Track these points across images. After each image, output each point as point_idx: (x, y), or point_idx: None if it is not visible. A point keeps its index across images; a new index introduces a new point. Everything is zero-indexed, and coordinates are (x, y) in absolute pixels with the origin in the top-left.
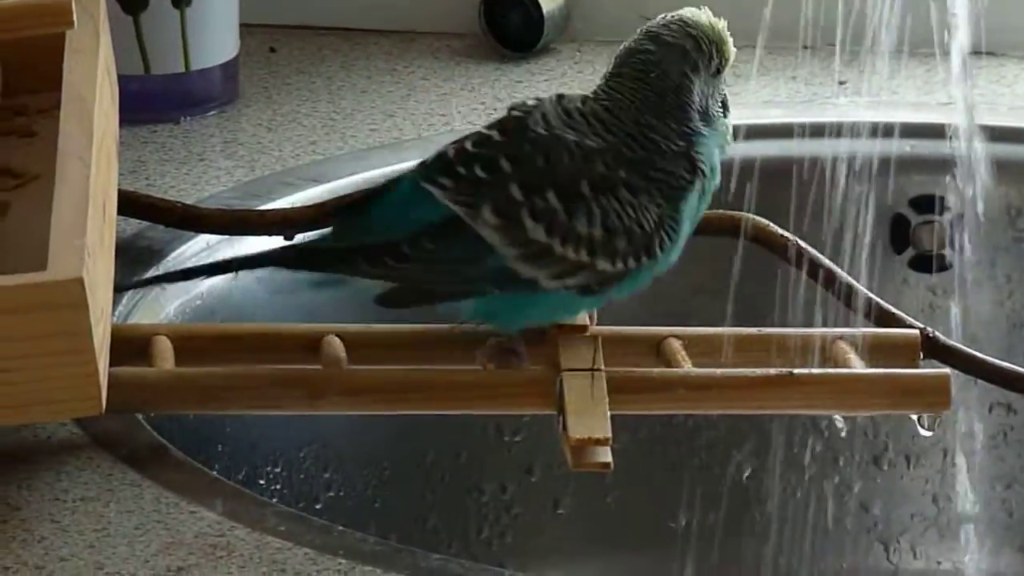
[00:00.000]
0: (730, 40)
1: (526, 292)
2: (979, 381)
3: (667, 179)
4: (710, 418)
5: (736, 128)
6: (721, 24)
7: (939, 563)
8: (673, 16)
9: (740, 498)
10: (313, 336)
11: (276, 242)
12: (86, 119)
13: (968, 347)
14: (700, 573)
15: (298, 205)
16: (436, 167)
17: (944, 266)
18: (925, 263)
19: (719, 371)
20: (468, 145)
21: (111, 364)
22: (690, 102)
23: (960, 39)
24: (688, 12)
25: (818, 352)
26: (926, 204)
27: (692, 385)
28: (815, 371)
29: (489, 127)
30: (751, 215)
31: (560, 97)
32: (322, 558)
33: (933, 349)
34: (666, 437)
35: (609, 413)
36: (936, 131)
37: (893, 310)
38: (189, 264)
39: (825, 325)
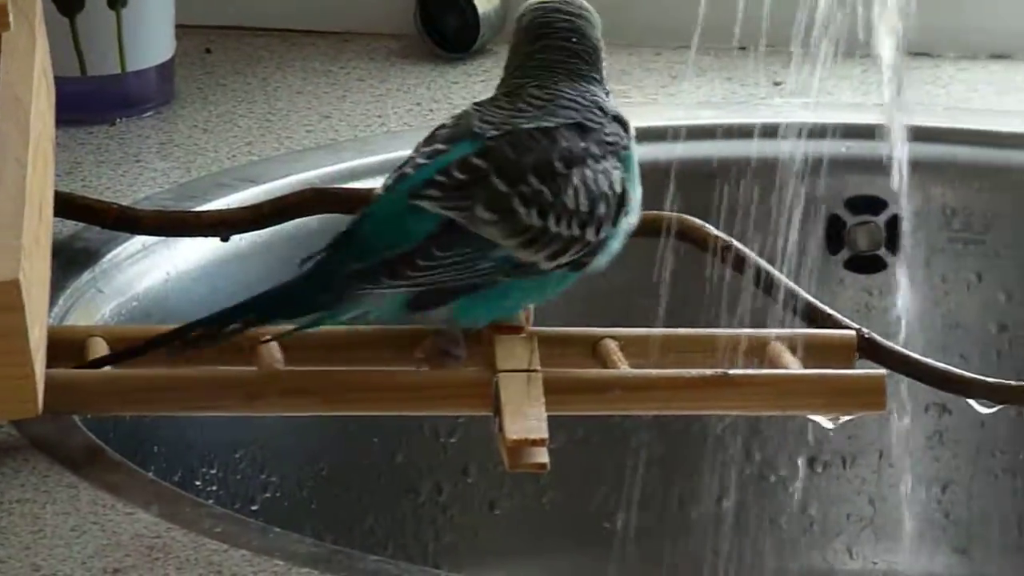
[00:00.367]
0: None
1: (527, 276)
2: (915, 381)
3: (615, 142)
4: (646, 418)
5: (671, 129)
6: None
7: (875, 563)
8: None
9: (676, 498)
10: (250, 337)
11: (212, 245)
12: (22, 120)
13: (903, 348)
14: (636, 574)
15: (234, 206)
16: (413, 185)
17: (880, 267)
18: (861, 264)
19: (655, 372)
20: (426, 162)
21: (47, 366)
22: (602, 65)
23: (893, 40)
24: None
25: (754, 353)
26: (862, 205)
27: (628, 386)
28: (751, 372)
29: (431, 146)
30: (686, 216)
31: (478, 104)
32: (259, 559)
33: (869, 350)
34: (602, 437)
35: (545, 414)
36: (871, 132)
37: (828, 311)
38: (126, 266)
39: (761, 326)
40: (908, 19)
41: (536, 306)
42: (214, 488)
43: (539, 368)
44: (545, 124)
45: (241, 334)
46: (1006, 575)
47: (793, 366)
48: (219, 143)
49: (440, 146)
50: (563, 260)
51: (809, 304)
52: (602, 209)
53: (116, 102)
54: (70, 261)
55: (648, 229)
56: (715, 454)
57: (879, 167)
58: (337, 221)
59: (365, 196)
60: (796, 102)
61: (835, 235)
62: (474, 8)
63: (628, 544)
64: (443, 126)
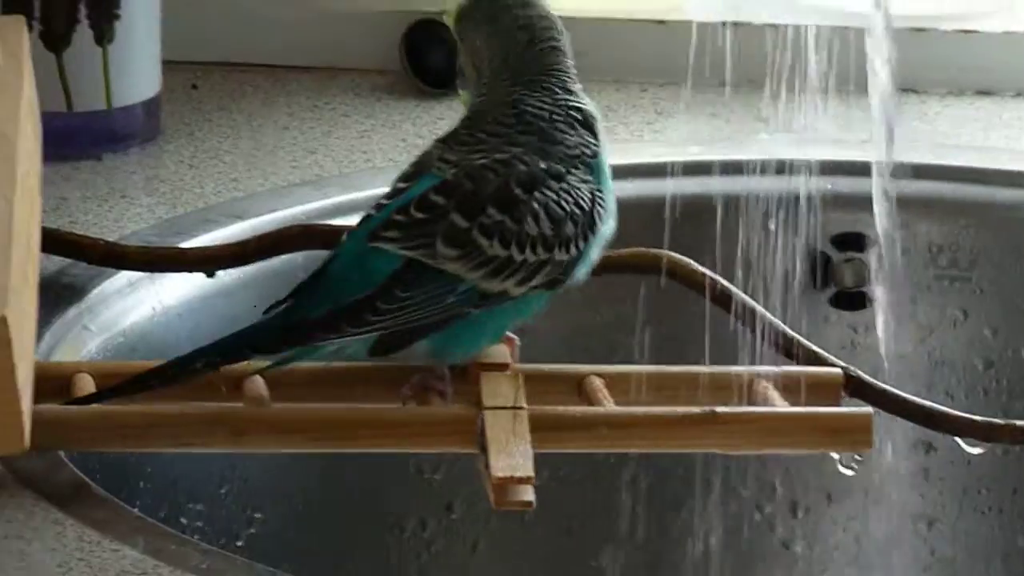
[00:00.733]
0: None
1: (498, 304)
2: (901, 419)
3: (581, 153)
4: (632, 456)
5: (657, 165)
6: None
7: None
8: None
9: (662, 536)
10: (236, 374)
11: (198, 281)
12: (9, 156)
13: (889, 385)
14: None
15: (220, 242)
16: (372, 227)
17: (865, 303)
18: (847, 300)
19: (641, 409)
20: (387, 202)
21: (34, 402)
22: (564, 68)
23: (880, 76)
24: None
25: (740, 390)
26: (847, 241)
27: (614, 423)
28: (737, 409)
29: (395, 187)
30: (671, 252)
31: (441, 139)
32: None
33: (855, 387)
34: (588, 475)
35: (531, 451)
36: (857, 168)
37: (815, 348)
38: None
39: (747, 363)
40: (895, 55)
41: (522, 343)
42: (200, 524)
43: (525, 405)
44: (502, 155)
45: (220, 368)
46: None
47: (780, 404)
48: (205, 179)
49: (401, 185)
50: (535, 283)
51: (795, 341)
52: (569, 228)
53: (102, 137)
54: (57, 297)
55: (634, 266)
56: (701, 491)
57: (864, 203)
58: (323, 257)
59: None
60: (781, 138)
61: (821, 271)
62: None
63: None
64: (411, 164)
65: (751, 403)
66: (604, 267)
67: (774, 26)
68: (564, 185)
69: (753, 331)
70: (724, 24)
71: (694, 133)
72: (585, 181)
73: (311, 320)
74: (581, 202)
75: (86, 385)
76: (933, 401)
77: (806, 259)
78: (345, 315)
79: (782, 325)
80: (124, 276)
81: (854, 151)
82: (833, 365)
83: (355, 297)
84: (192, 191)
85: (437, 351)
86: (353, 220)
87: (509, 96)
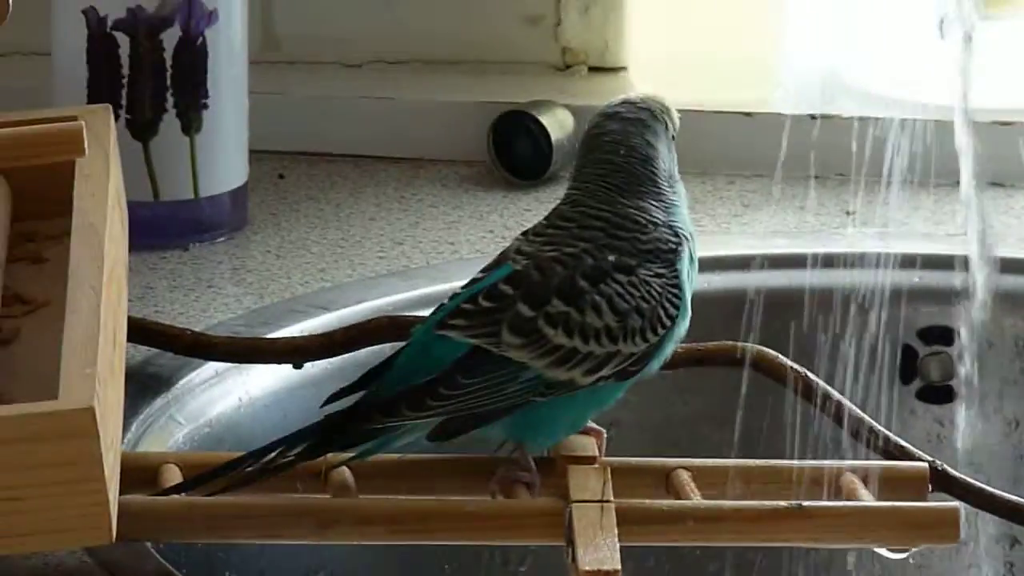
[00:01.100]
0: (674, 107)
1: (567, 392)
2: (987, 513)
3: (655, 250)
4: (717, 549)
5: (745, 258)
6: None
7: None
8: (618, 99)
9: None
10: (320, 465)
11: (285, 372)
12: (96, 246)
13: (975, 479)
14: None
15: (307, 333)
16: (441, 317)
17: (951, 397)
18: (933, 394)
19: (728, 503)
20: (460, 292)
21: (121, 492)
22: (658, 171)
23: (968, 169)
24: (630, 93)
25: (826, 484)
26: (934, 335)
27: (701, 517)
28: (824, 504)
29: (473, 278)
30: (756, 345)
31: (525, 232)
32: None
33: (941, 481)
34: (673, 567)
35: (618, 544)
36: (944, 262)
37: (901, 442)
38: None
39: (833, 457)
40: (981, 148)
41: (609, 436)
42: None
43: (612, 499)
44: (572, 248)
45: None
46: None
47: (866, 498)
48: (292, 269)
49: (479, 275)
50: (604, 373)
51: (882, 435)
52: (635, 320)
53: (189, 227)
54: (143, 387)
55: (723, 359)
56: None
57: (952, 297)
58: None
59: None
60: (868, 231)
61: (907, 365)
62: (547, 135)
63: None
64: (496, 257)
65: (838, 497)
66: (690, 359)
67: (861, 119)
68: (633, 279)
69: (840, 425)
70: (812, 117)
71: (781, 226)
72: (658, 276)
73: (372, 405)
74: (648, 295)
75: (173, 476)
76: (1019, 496)
77: (893, 352)
78: (405, 400)
79: (868, 419)
80: (211, 367)
81: (941, 244)
82: (919, 459)
83: (417, 383)
84: (279, 281)
85: (513, 439)
86: None
87: (585, 198)
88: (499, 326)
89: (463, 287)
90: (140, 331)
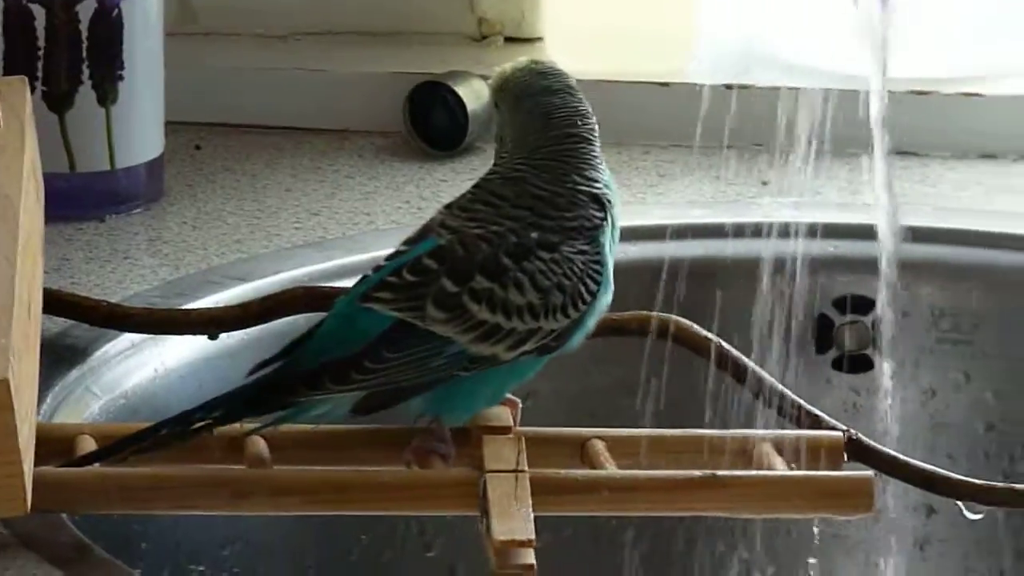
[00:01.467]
0: None
1: (490, 367)
2: (902, 482)
3: (580, 227)
4: (633, 518)
5: (661, 228)
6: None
7: None
8: (524, 67)
9: None
10: (237, 436)
11: (200, 343)
12: (11, 218)
13: (891, 448)
14: None
15: (223, 304)
16: (365, 289)
17: (868, 366)
18: (849, 363)
19: (642, 473)
20: (383, 264)
21: (36, 463)
22: (579, 155)
23: (881, 139)
24: (527, 61)
25: (741, 454)
26: (850, 304)
27: (615, 487)
28: (739, 473)
29: (396, 249)
30: (673, 316)
31: (447, 205)
32: None
33: (856, 451)
34: (589, 537)
35: (533, 514)
36: (859, 231)
37: (816, 412)
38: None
39: (748, 426)
40: (897, 118)
41: (524, 406)
42: None
43: (526, 468)
44: (498, 226)
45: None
46: None
47: (781, 468)
48: (208, 240)
49: (402, 248)
50: (526, 348)
51: (796, 404)
52: (557, 297)
53: (105, 199)
54: (59, 358)
55: (637, 329)
56: (702, 553)
57: (867, 266)
58: None
59: None
60: (784, 201)
61: (823, 334)
62: (463, 106)
63: None
64: (419, 228)
65: (752, 467)
66: (606, 329)
67: (776, 89)
68: (555, 256)
69: (755, 394)
70: (728, 87)
71: (697, 196)
72: (581, 252)
73: (295, 377)
74: (570, 272)
75: (88, 447)
76: (934, 464)
77: (808, 322)
78: (330, 372)
79: (784, 388)
80: (127, 338)
81: (857, 214)
82: (834, 428)
83: (340, 355)
84: (195, 253)
85: (431, 412)
86: None
87: (519, 172)
88: (424, 300)
89: (386, 259)
90: (56, 303)
